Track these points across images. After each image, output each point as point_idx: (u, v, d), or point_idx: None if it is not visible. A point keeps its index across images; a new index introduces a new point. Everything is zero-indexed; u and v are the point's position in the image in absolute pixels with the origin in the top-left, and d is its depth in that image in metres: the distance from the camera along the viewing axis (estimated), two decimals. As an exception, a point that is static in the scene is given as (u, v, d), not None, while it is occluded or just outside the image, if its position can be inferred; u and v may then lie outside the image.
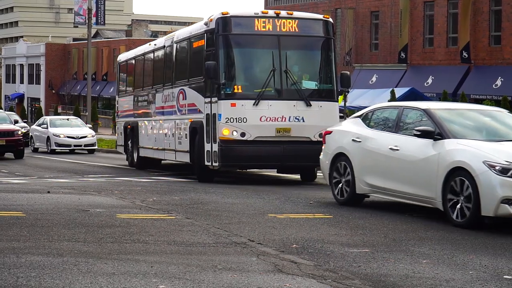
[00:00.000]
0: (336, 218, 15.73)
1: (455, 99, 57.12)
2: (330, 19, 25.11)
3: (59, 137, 47.35)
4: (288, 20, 23.89)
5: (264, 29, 23.85)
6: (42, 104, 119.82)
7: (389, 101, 59.28)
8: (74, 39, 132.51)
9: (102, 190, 21.23)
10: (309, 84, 24.33)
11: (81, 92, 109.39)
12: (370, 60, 69.15)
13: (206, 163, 24.17)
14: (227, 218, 15.34)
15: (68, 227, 13.21)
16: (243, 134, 22.93)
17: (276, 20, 23.77)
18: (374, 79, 66.68)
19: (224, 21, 23.91)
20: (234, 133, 22.95)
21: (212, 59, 23.68)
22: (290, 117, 23.06)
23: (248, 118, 22.93)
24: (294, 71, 24.00)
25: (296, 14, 25.02)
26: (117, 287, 8.61)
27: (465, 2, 59.36)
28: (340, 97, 47.66)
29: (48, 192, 19.96)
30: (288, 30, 23.89)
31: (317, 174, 25.33)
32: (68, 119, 55.00)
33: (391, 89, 60.60)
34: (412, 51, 64.79)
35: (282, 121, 23.01)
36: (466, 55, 58.80)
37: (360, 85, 61.84)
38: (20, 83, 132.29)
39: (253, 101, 23.06)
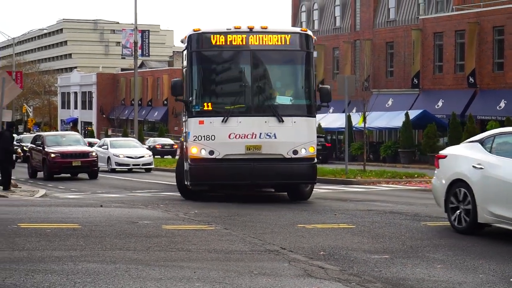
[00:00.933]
0: (359, 228, 15.68)
1: (463, 120, 57.02)
2: (309, 32, 22.05)
3: (119, 157, 47.04)
4: (262, 35, 21.29)
5: (236, 45, 21.44)
6: (94, 128, 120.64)
7: (404, 122, 59.30)
8: (122, 69, 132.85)
9: (149, 204, 21.15)
10: (283, 100, 21.51)
11: (129, 116, 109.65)
12: (386, 85, 68.98)
13: (185, 182, 22.26)
14: (261, 228, 15.37)
15: (119, 237, 13.26)
16: (211, 152, 20.63)
17: (249, 35, 21.20)
18: (390, 102, 66.51)
19: (196, 38, 21.81)
20: (203, 151, 20.70)
21: (187, 77, 22.13)
22: (260, 133, 20.51)
23: (217, 136, 20.60)
24: (266, 87, 21.75)
25: (271, 28, 21.99)
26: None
27: (471, 33, 59.23)
28: (360, 119, 47.81)
29: (101, 206, 19.98)
30: (261, 44, 21.31)
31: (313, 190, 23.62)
32: (127, 141, 54.97)
33: (405, 111, 60.50)
34: (423, 77, 64.64)
35: (252, 138, 20.53)
36: (472, 80, 58.71)
37: (377, 108, 61.55)
38: (74, 108, 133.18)
39: (222, 118, 20.68)
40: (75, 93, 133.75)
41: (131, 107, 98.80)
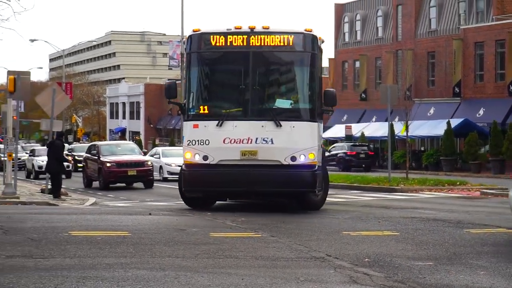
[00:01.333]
0: (403, 235, 15.58)
1: (504, 128, 56.51)
2: (314, 33, 19.96)
3: (171, 166, 46.30)
4: (263, 35, 19.66)
5: (236, 46, 19.78)
6: (142, 137, 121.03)
7: (446, 130, 58.87)
8: (169, 80, 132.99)
9: (196, 212, 20.90)
10: (283, 103, 19.71)
11: (175, 126, 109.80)
12: (428, 94, 68.57)
13: (180, 188, 21.59)
14: (307, 235, 15.30)
15: (168, 245, 13.27)
16: (205, 158, 19.23)
17: (250, 35, 19.61)
18: (432, 111, 66.11)
19: (194, 39, 20.46)
20: (196, 156, 19.36)
21: (186, 79, 21.35)
22: (257, 138, 18.86)
23: (211, 140, 19.19)
24: (265, 89, 20.09)
25: (274, 28, 20.40)
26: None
27: (511, 42, 58.71)
28: (403, 127, 47.53)
29: (150, 214, 19.98)
30: (262, 45, 19.68)
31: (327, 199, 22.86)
32: (178, 150, 54.80)
33: (447, 120, 60.05)
34: (464, 86, 64.20)
35: (247, 143, 18.93)
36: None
37: (419, 117, 61.16)
38: (123, 118, 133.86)
39: (217, 122, 19.26)
40: (123, 103, 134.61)
41: (177, 117, 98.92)
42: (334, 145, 65.45)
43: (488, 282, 10.28)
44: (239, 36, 19.77)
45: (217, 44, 19.91)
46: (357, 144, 64.94)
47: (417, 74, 68.50)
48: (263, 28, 20.05)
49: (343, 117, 75.92)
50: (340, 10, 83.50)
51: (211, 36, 20.07)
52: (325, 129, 72.76)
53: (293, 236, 15.11)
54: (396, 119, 49.99)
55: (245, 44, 19.66)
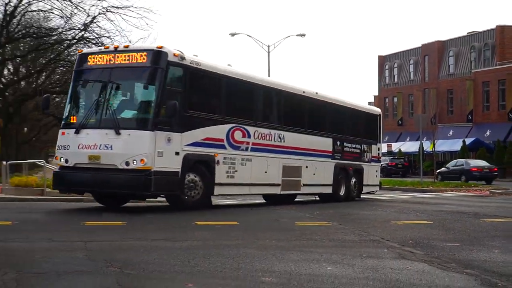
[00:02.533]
0: (435, 223, 15.42)
1: (505, 144, 55.93)
2: (164, 49, 16.52)
3: None
4: (122, 54, 16.90)
5: (100, 64, 17.07)
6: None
7: (461, 147, 57.92)
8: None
9: (283, 207, 20.45)
10: (125, 114, 16.97)
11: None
12: (448, 120, 67.78)
13: None
14: (365, 224, 15.22)
15: (267, 231, 13.31)
16: (66, 161, 16.82)
17: (113, 54, 16.97)
18: (451, 133, 65.33)
19: (78, 58, 18.06)
20: (62, 159, 16.98)
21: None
22: (100, 145, 16.24)
23: (70, 146, 16.79)
24: (114, 102, 17.03)
25: (132, 46, 17.93)
26: (301, 269, 8.69)
27: (510, 81, 57.94)
28: (431, 145, 46.98)
29: (251, 208, 19.91)
30: (120, 62, 16.81)
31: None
32: None
33: (462, 139, 59.50)
34: (475, 114, 63.58)
35: (93, 148, 16.33)
36: (511, 115, 57.52)
37: (442, 137, 60.77)
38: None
39: (75, 129, 16.85)
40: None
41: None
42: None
43: (501, 258, 10.13)
44: (105, 55, 17.15)
45: (90, 62, 17.40)
46: (396, 157, 64.55)
47: (440, 106, 67.81)
48: (124, 47, 17.50)
49: (385, 138, 75.45)
50: (382, 60, 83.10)
51: (88, 56, 17.64)
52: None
53: (355, 224, 15.08)
54: (425, 139, 49.47)
55: (107, 62, 17.04)
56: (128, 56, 16.65)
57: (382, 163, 60.90)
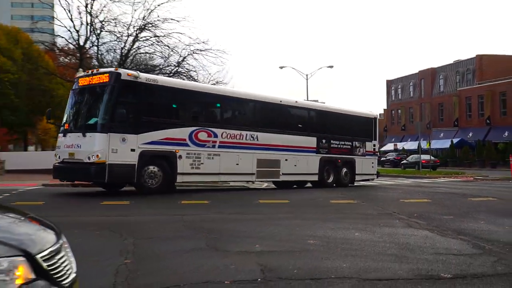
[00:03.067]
0: (433, 201, 14.89)
1: (484, 143, 54.08)
2: (119, 71, 15.66)
3: None
4: (95, 76, 15.97)
5: (84, 84, 16.11)
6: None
7: (450, 145, 56.31)
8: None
9: (324, 189, 19.85)
10: (91, 120, 15.57)
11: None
12: (439, 126, 65.93)
13: None
14: (381, 201, 14.87)
15: (309, 207, 13.19)
16: (59, 157, 15.97)
17: (90, 76, 16.07)
18: (441, 135, 63.52)
19: (75, 81, 17.07)
20: (56, 156, 16.25)
21: None
22: (74, 144, 15.45)
23: (60, 146, 16.06)
24: (85, 111, 15.96)
25: (101, 70, 16.71)
26: (336, 234, 8.57)
27: (487, 96, 56.16)
28: (427, 144, 45.81)
29: (294, 186, 19.57)
30: (93, 82, 15.92)
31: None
32: None
33: (450, 139, 57.91)
34: (460, 121, 61.66)
35: (71, 147, 15.54)
36: (489, 121, 55.68)
37: (435, 138, 59.23)
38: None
39: (62, 134, 16.16)
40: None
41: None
42: (387, 154, 63.63)
43: (486, 227, 9.76)
44: (86, 77, 16.25)
45: (79, 83, 16.45)
46: (401, 153, 63.11)
47: (433, 115, 66.13)
48: (96, 70, 16.43)
49: (391, 139, 74.50)
50: (389, 83, 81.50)
51: (78, 79, 16.67)
52: (381, 146, 71.00)
53: (374, 202, 14.75)
54: (422, 139, 48.36)
55: (86, 82, 16.12)
56: (98, 77, 15.79)
57: (390, 157, 60.24)
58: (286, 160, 19.93)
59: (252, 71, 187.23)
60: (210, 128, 17.46)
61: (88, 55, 33.10)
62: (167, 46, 32.37)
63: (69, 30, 31.40)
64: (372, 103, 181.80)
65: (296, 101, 21.25)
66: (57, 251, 3.34)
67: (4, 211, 3.78)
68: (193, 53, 32.71)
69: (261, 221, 10.16)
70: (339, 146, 22.17)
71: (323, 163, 21.37)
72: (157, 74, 33.58)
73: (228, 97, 18.61)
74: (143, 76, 15.96)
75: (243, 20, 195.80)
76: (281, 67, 47.84)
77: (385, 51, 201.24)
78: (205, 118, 17.59)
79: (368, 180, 24.09)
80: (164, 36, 32.04)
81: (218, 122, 17.91)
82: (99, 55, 32.94)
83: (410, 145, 66.65)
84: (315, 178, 21.10)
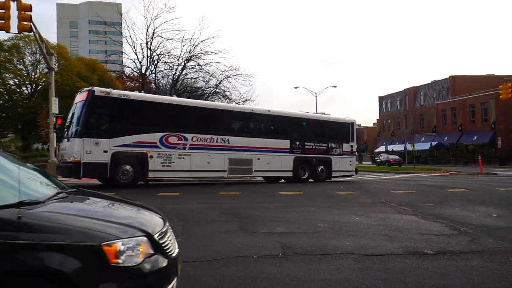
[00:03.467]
0: (417, 192, 14.46)
1: (457, 145, 52.48)
2: (93, 89, 14.91)
3: None
4: (81, 94, 15.18)
5: (77, 100, 15.36)
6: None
7: (430, 147, 54.92)
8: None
9: (331, 183, 19.32)
10: (73, 129, 14.66)
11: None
12: (421, 131, 64.37)
13: None
14: (376, 192, 14.45)
15: (320, 197, 12.91)
16: (61, 159, 15.29)
17: (80, 94, 15.34)
18: (423, 138, 61.97)
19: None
20: (59, 157, 15.74)
21: None
22: (64, 148, 14.77)
23: (61, 150, 15.46)
24: (72, 122, 15.03)
25: (84, 89, 15.66)
26: (340, 219, 8.43)
27: (459, 108, 54.50)
28: (412, 146, 44.78)
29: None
30: (78, 100, 15.15)
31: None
32: None
33: (430, 142, 56.55)
34: (438, 127, 60.07)
35: (63, 150, 14.97)
36: (460, 128, 53.94)
37: (418, 141, 57.81)
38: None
39: (66, 139, 15.13)
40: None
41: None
42: (380, 154, 62.53)
43: (460, 213, 9.47)
44: (78, 95, 15.49)
45: (75, 100, 15.66)
46: (390, 153, 61.92)
47: (416, 123, 64.67)
48: (84, 88, 15.68)
49: (383, 143, 73.36)
50: (381, 98, 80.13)
51: (75, 97, 15.98)
52: (375, 148, 70.00)
53: (369, 193, 14.37)
54: (407, 143, 47.57)
55: (78, 99, 15.31)
56: (81, 95, 15.11)
57: (384, 158, 59.15)
58: (258, 159, 18.32)
59: (274, 90, 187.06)
60: (180, 133, 16.32)
61: (148, 81, 33.64)
62: (208, 72, 32.78)
63: (134, 62, 32.15)
64: (367, 114, 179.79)
65: (268, 110, 19.51)
66: (165, 232, 3.48)
67: (120, 202, 3.93)
68: (227, 77, 32.90)
69: (282, 208, 10.08)
70: (313, 147, 20.24)
71: (297, 161, 19.54)
72: (200, 94, 33.95)
73: (197, 108, 17.23)
74: (115, 92, 15.26)
75: (267, 49, 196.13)
76: (296, 87, 47.78)
77: (377, 73, 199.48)
78: (176, 125, 16.40)
79: (347, 176, 22.01)
80: (205, 64, 32.44)
81: (188, 128, 16.61)
82: (156, 80, 33.52)
83: (398, 147, 65.29)
84: (290, 174, 19.36)
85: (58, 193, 3.64)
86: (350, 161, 21.99)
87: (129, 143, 15.09)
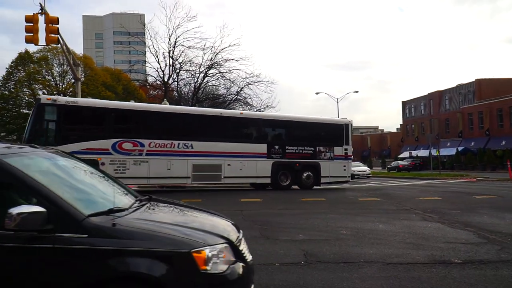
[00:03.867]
0: (444, 198, 14.05)
1: (485, 150, 51.06)
2: (40, 97, 14.85)
3: (354, 171, 32.70)
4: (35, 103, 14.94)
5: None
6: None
7: (456, 152, 53.59)
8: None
9: (354, 189, 19.10)
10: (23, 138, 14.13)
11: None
12: (446, 137, 62.83)
13: None
14: (399, 199, 14.11)
15: (341, 203, 12.75)
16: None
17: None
18: (449, 144, 60.54)
19: None
20: None
21: None
22: None
23: None
24: (25, 132, 14.55)
25: (37, 97, 15.41)
26: (363, 226, 8.28)
27: (485, 112, 53.02)
28: (437, 151, 43.82)
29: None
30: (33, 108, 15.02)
31: None
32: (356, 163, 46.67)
33: (456, 147, 55.21)
34: (464, 132, 58.63)
35: None
36: (488, 133, 52.59)
37: (443, 146, 56.51)
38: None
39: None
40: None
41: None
42: (403, 160, 61.33)
43: (489, 220, 9.15)
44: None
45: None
46: (415, 159, 60.74)
47: (441, 128, 63.25)
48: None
49: (407, 148, 72.04)
50: (404, 103, 78.94)
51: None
52: (398, 154, 68.80)
53: (393, 199, 14.10)
54: (432, 148, 46.47)
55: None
56: (35, 104, 14.75)
57: (406, 163, 58.00)
58: (228, 165, 16.97)
59: (295, 96, 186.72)
60: (136, 139, 15.43)
61: (170, 89, 34.16)
62: (229, 79, 33.02)
63: (156, 70, 32.57)
64: (390, 118, 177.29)
65: (241, 113, 18.54)
66: (241, 239, 3.54)
67: (192, 209, 4.00)
68: (249, 84, 33.05)
69: (303, 215, 9.99)
70: (296, 151, 18.49)
71: (277, 167, 17.90)
72: (221, 101, 34.24)
73: (156, 112, 16.30)
74: (62, 99, 14.85)
75: (288, 55, 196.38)
76: (317, 93, 47.51)
77: (400, 78, 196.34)
78: (132, 130, 15.63)
79: (340, 182, 19.98)
80: (226, 72, 32.69)
81: (145, 133, 15.77)
82: (178, 88, 33.98)
83: (423, 153, 64.03)
84: (268, 180, 17.78)
85: (137, 201, 3.71)
86: (344, 166, 19.59)
87: (78, 150, 14.24)
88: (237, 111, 19.21)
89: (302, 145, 18.81)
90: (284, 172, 18.30)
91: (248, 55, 79.08)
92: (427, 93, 71.66)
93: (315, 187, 19.10)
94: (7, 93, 41.18)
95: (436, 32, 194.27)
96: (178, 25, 32.54)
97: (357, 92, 47.34)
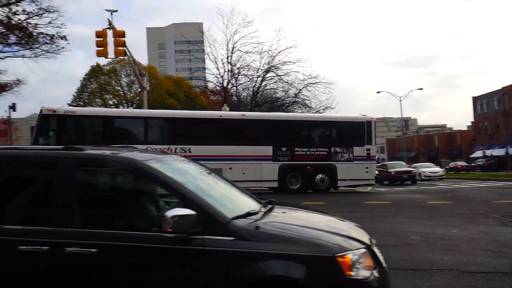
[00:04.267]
0: (524, 202, 12.96)
1: None
2: (42, 107, 14.91)
3: (425, 172, 32.39)
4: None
5: None
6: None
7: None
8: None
9: (422, 192, 18.00)
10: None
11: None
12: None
13: None
14: (473, 202, 13.18)
15: (408, 207, 12.16)
16: None
17: None
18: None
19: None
20: None
21: None
22: None
23: None
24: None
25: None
26: (434, 231, 7.83)
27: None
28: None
29: (395, 193, 18.34)
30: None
31: None
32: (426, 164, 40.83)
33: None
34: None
35: None
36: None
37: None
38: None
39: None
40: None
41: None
42: (477, 160, 57.12)
43: None
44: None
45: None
46: (490, 158, 56.33)
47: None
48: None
49: (480, 147, 67.13)
50: (475, 99, 73.67)
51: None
52: (470, 154, 64.41)
53: (466, 202, 13.17)
54: (508, 147, 42.62)
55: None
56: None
57: (479, 163, 53.94)
58: (230, 168, 16.15)
59: (355, 96, 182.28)
60: (134, 145, 15.33)
61: (230, 94, 34.92)
62: (287, 82, 33.03)
63: (216, 76, 33.46)
64: (458, 116, 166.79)
65: (243, 114, 17.82)
66: (374, 243, 3.49)
67: (318, 212, 4.00)
68: (307, 86, 32.79)
69: (368, 218, 9.64)
70: (307, 152, 17.33)
71: (284, 170, 16.91)
72: (280, 105, 34.28)
73: (153, 118, 16.22)
74: (62, 109, 15.20)
75: (347, 55, 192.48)
76: (378, 92, 46.08)
77: (468, 74, 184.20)
78: (128, 137, 15.53)
79: (365, 185, 18.42)
80: (284, 75, 32.75)
81: (143, 139, 15.58)
82: (237, 93, 34.66)
83: (498, 151, 59.19)
84: (274, 184, 16.85)
85: (262, 204, 3.73)
86: (367, 168, 17.74)
87: None
88: (239, 113, 18.28)
89: (313, 146, 17.62)
90: (294, 175, 17.24)
91: (305, 57, 78.78)
92: (500, 87, 66.49)
93: (339, 189, 17.82)
94: (82, 103, 44.55)
95: (508, 21, 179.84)
96: (235, 31, 33.13)
97: (421, 89, 45.29)
